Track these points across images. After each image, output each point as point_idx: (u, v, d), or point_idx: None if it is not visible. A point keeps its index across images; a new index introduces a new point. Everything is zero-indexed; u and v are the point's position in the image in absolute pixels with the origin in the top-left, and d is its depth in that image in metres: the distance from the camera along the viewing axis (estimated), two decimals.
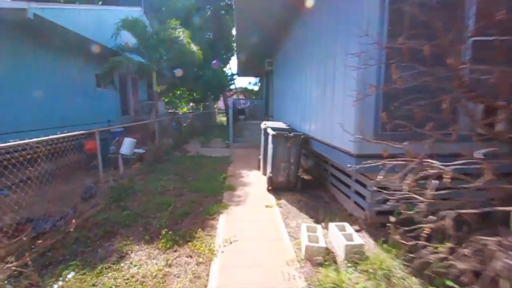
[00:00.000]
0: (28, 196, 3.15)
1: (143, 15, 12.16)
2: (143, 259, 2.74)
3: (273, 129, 4.94)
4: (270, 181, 4.79)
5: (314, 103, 4.92)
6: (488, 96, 2.07)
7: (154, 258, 2.76)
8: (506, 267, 1.36)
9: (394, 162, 1.90)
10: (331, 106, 3.96)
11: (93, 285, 2.35)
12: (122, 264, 2.65)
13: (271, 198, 4.48)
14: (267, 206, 4.12)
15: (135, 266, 2.63)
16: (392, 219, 2.31)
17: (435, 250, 1.92)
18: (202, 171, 6.18)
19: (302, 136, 4.78)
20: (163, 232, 3.16)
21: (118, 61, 8.44)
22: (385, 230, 2.91)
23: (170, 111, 18.47)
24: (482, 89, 2.09)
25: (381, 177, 2.01)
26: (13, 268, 2.32)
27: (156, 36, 8.99)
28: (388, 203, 2.06)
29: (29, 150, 3.46)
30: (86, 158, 6.25)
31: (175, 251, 2.90)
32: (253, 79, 29.05)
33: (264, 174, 5.43)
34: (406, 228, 2.07)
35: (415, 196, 1.83)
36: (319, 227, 3.10)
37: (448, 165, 1.68)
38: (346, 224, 3.05)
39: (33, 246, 2.76)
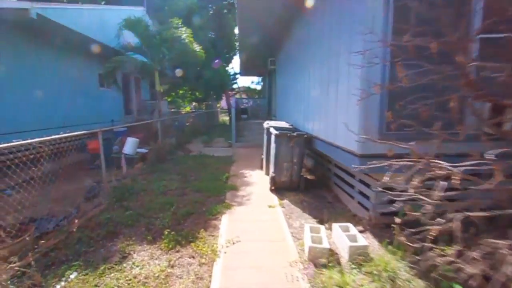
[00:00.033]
0: (31, 196, 3.16)
1: (145, 14, 12.18)
2: (146, 260, 2.73)
3: (276, 128, 4.90)
4: (273, 181, 4.76)
5: (318, 102, 4.88)
6: (496, 95, 2.02)
7: (156, 259, 2.75)
8: None
9: (401, 163, 1.86)
10: (335, 105, 3.92)
11: (96, 285, 2.34)
12: (124, 265, 2.64)
13: (274, 198, 4.45)
14: (270, 206, 4.10)
15: (137, 266, 2.62)
16: (397, 220, 2.27)
17: (442, 253, 1.88)
18: (205, 171, 6.17)
19: (305, 136, 4.74)
20: (166, 232, 3.15)
21: (121, 60, 8.45)
22: (389, 231, 2.87)
23: (173, 110, 18.51)
24: (489, 87, 2.04)
25: (387, 178, 1.96)
26: (16, 268, 2.32)
27: (158, 35, 8.99)
28: (395, 204, 2.02)
29: (32, 150, 3.46)
30: (89, 158, 6.28)
31: (178, 251, 2.88)
32: (255, 78, 29.07)
33: (267, 174, 5.41)
34: (413, 230, 2.02)
35: (421, 197, 1.79)
36: (322, 227, 3.07)
37: (457, 166, 1.63)
38: (350, 225, 3.02)
39: (36, 246, 2.77)
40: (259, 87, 29.04)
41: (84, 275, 2.46)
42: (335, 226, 3.03)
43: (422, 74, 2.09)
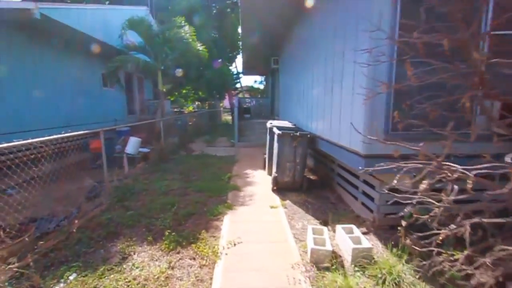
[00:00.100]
0: (32, 196, 3.14)
1: (148, 14, 12.18)
2: (146, 261, 2.69)
3: (279, 128, 4.85)
4: (275, 181, 4.71)
5: (321, 101, 4.80)
6: (508, 94, 1.94)
7: (156, 260, 2.71)
8: None
9: (410, 165, 1.78)
10: (339, 104, 3.85)
11: (94, 287, 2.31)
12: (124, 266, 2.61)
13: (276, 199, 4.40)
14: (272, 207, 4.04)
15: (137, 268, 2.58)
16: (403, 222, 2.20)
17: (450, 258, 1.81)
18: (207, 171, 6.13)
19: (309, 136, 4.68)
20: (167, 233, 3.12)
21: (124, 60, 8.46)
22: (394, 233, 2.80)
23: (175, 110, 18.51)
24: (501, 86, 1.96)
25: (395, 181, 1.89)
26: (14, 269, 2.29)
27: (161, 35, 8.97)
28: (404, 210, 1.94)
29: (33, 150, 3.44)
30: (91, 157, 6.28)
31: (178, 252, 2.84)
32: (258, 78, 28.99)
33: (269, 174, 5.35)
34: (420, 234, 1.95)
35: (430, 200, 1.71)
36: (325, 229, 3.01)
37: (470, 169, 1.55)
38: (354, 227, 2.95)
39: (35, 247, 2.74)
40: (262, 87, 28.98)
41: (83, 277, 2.43)
42: (338, 227, 2.97)
43: (431, 72, 2.01)
